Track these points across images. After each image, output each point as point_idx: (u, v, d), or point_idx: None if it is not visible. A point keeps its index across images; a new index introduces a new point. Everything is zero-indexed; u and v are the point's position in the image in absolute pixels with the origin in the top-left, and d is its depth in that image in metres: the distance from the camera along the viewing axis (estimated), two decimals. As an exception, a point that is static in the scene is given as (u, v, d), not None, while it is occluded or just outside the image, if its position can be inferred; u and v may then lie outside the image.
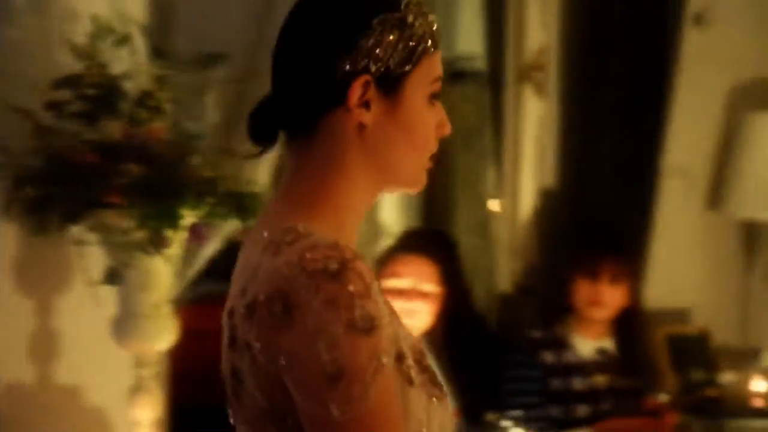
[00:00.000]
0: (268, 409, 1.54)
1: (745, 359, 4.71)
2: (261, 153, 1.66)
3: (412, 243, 3.76)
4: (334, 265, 1.46)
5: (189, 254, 3.26)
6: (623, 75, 4.40)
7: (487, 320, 4.34)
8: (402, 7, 1.62)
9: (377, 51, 1.59)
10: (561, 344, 4.04)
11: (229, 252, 3.39)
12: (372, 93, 1.60)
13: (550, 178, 4.53)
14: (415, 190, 1.70)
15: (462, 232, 4.92)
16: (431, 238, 4.17)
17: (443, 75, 1.67)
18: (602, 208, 4.43)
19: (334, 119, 1.61)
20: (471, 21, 4.78)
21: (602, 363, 4.04)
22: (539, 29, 4.44)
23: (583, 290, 4.02)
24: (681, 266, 4.72)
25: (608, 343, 4.08)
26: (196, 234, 3.08)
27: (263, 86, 3.36)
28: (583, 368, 4.02)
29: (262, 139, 1.66)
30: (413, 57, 1.62)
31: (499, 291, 4.58)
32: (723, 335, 4.69)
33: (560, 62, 4.48)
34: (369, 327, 1.45)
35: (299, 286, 1.46)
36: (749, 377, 4.58)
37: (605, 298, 4.01)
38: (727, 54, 4.67)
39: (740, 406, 4.50)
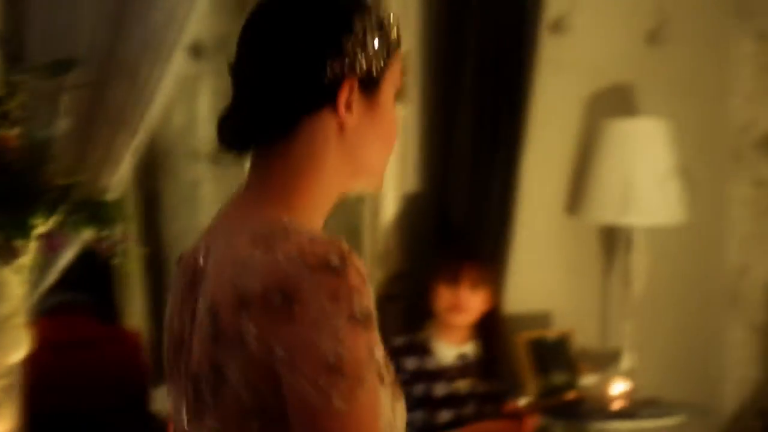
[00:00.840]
0: (251, 405, 1.53)
1: (605, 362, 4.79)
2: (235, 159, 1.65)
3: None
4: (335, 260, 1.47)
5: (43, 264, 3.19)
6: (482, 81, 4.42)
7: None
8: (369, 4, 1.63)
9: (362, 52, 1.60)
10: (423, 350, 4.06)
11: (86, 261, 3.33)
12: (355, 94, 1.61)
13: (412, 184, 4.54)
14: (376, 188, 1.73)
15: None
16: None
17: None
18: (463, 214, 4.45)
19: (316, 121, 1.61)
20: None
21: (464, 368, 4.07)
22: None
23: (444, 296, 4.05)
24: (541, 271, 4.77)
25: (470, 348, 4.10)
26: (50, 243, 3.02)
27: (117, 91, 3.31)
28: (445, 374, 4.04)
29: (236, 146, 1.65)
30: (389, 55, 1.64)
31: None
32: (583, 338, 4.75)
33: (421, 68, 4.49)
34: (366, 321, 1.47)
35: (300, 279, 1.46)
36: (609, 380, 4.65)
37: (466, 303, 4.03)
38: (583, 61, 4.73)
39: (600, 409, 4.57)
